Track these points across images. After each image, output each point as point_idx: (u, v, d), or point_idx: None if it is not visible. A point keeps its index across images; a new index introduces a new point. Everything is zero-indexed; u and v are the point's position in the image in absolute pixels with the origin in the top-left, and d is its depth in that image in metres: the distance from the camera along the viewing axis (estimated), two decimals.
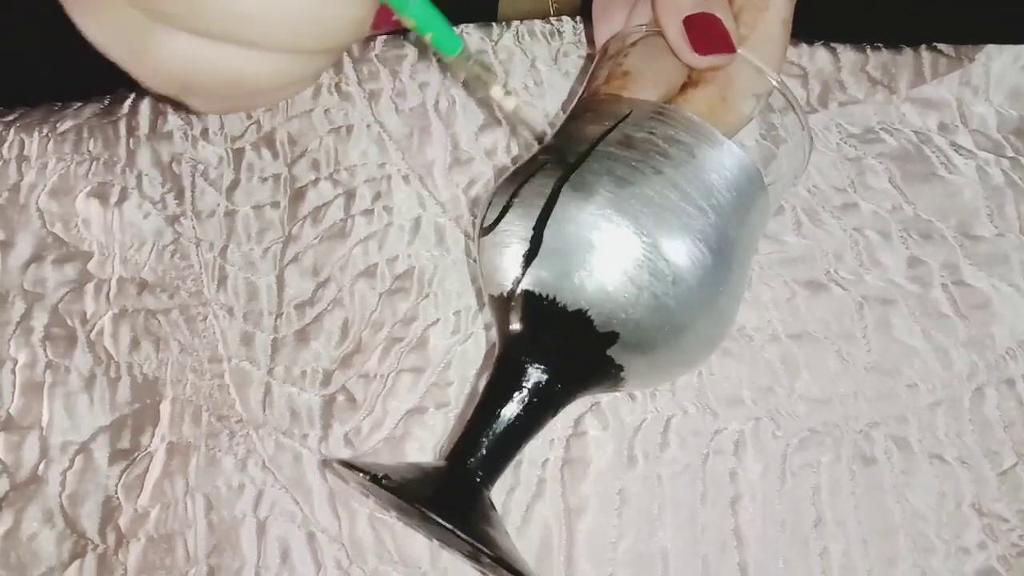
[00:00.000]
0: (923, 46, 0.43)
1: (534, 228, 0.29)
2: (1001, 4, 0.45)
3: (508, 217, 0.30)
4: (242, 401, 0.37)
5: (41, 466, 0.36)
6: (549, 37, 0.43)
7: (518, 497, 0.35)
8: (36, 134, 0.42)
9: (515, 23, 0.43)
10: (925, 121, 0.42)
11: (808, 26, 0.44)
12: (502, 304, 0.31)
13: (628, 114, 0.31)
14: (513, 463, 0.35)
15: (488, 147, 0.41)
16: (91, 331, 0.38)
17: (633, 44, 0.33)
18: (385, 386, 0.37)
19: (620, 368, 0.30)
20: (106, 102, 0.43)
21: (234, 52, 0.27)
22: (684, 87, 0.31)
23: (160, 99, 0.43)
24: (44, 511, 0.36)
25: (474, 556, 0.31)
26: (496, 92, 0.33)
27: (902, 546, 0.35)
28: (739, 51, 0.31)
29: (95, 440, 0.37)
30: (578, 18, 0.44)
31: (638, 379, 0.31)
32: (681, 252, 0.29)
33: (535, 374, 0.30)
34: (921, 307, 0.38)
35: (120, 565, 0.35)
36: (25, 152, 0.42)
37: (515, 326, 0.30)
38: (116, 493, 0.36)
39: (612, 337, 0.29)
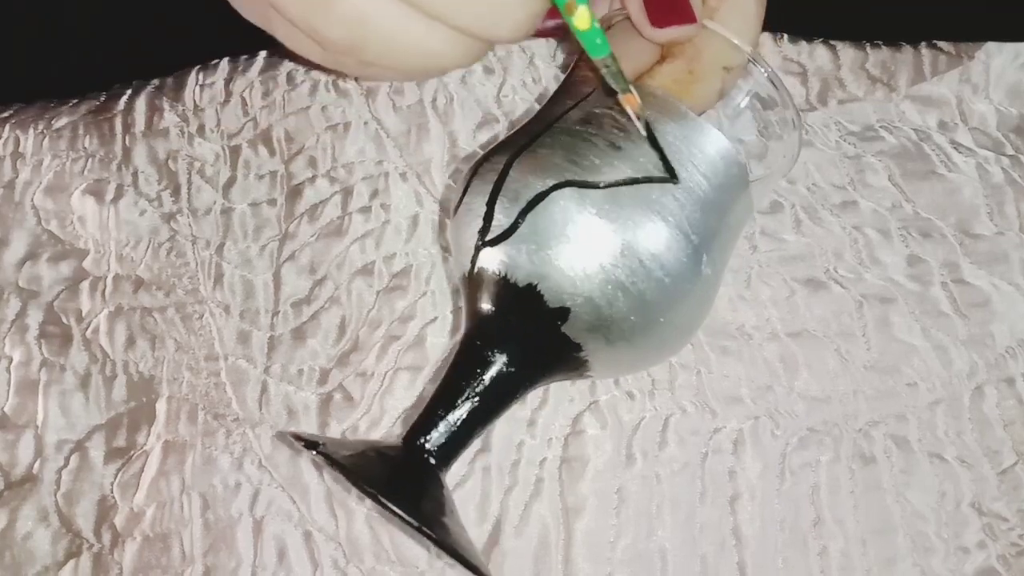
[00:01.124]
0: (923, 44, 0.43)
1: (487, 204, 0.29)
2: (1002, 1, 0.45)
3: (467, 196, 0.30)
4: (238, 399, 0.37)
5: (36, 465, 0.36)
6: None
7: (516, 496, 0.35)
8: (31, 131, 0.42)
9: None
10: (925, 119, 0.42)
11: (807, 24, 0.44)
12: (465, 285, 0.31)
13: (590, 92, 0.30)
14: (511, 463, 0.35)
15: (486, 144, 0.41)
16: (87, 329, 0.38)
17: (609, 27, 0.32)
18: (383, 385, 0.37)
19: (578, 348, 0.30)
20: (102, 99, 0.43)
21: (416, 21, 0.27)
22: (655, 65, 0.31)
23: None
24: (39, 510, 0.35)
25: (426, 542, 0.30)
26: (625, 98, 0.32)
27: (901, 545, 0.35)
28: (707, 23, 0.31)
29: (90, 439, 0.37)
30: None
31: (602, 362, 0.30)
32: (634, 223, 0.28)
33: (492, 355, 0.29)
34: (921, 305, 0.38)
35: (116, 564, 0.35)
36: (20, 149, 0.41)
37: (473, 305, 0.30)
38: (112, 492, 0.36)
39: (563, 312, 0.29)
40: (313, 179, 0.41)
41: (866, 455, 0.36)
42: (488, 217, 0.29)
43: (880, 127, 0.42)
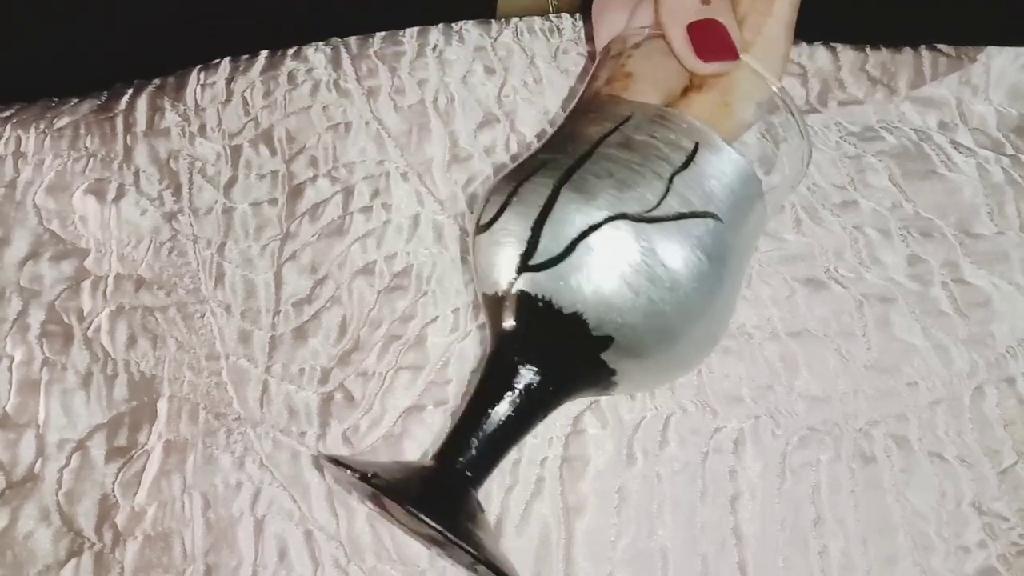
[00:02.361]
0: (923, 46, 0.43)
1: (532, 228, 0.29)
2: (1002, 4, 0.45)
3: (505, 216, 0.30)
4: (240, 399, 0.37)
5: (38, 464, 0.36)
6: (548, 34, 0.43)
7: (517, 495, 0.35)
8: (33, 130, 0.42)
9: (514, 20, 0.43)
10: (925, 120, 0.42)
11: (808, 25, 0.44)
12: (496, 303, 0.30)
13: (629, 116, 0.30)
14: (512, 461, 0.35)
15: (487, 144, 0.41)
16: (88, 328, 0.38)
17: (636, 46, 0.33)
18: (383, 384, 0.37)
19: (612, 372, 0.30)
20: (103, 98, 0.43)
21: None
22: (686, 91, 0.31)
23: None
24: (40, 509, 0.35)
25: (462, 558, 0.30)
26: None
27: (902, 545, 0.35)
28: (743, 57, 0.31)
29: (92, 438, 0.36)
30: (577, 15, 0.44)
31: (629, 382, 0.31)
32: (679, 257, 0.29)
33: (527, 375, 0.30)
34: (921, 305, 0.38)
35: (117, 563, 0.35)
36: (22, 148, 0.41)
37: (508, 326, 0.30)
38: (113, 491, 0.36)
39: (606, 341, 0.29)
40: (314, 179, 0.41)
41: (866, 454, 0.36)
42: (533, 242, 0.29)
43: (880, 127, 0.42)
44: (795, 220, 0.40)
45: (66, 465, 0.36)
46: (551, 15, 0.44)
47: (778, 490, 0.35)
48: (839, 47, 0.43)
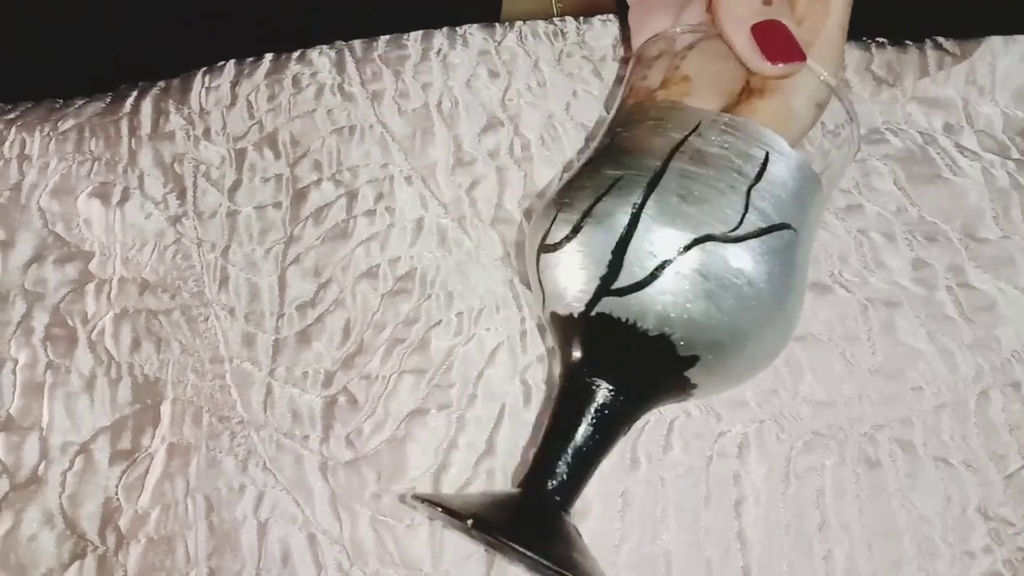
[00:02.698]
0: (928, 43, 0.43)
1: (613, 252, 0.29)
2: None
3: (581, 237, 0.29)
4: (243, 402, 0.37)
5: (41, 467, 0.36)
6: (552, 38, 0.43)
7: None
8: (38, 133, 0.42)
9: (518, 24, 0.43)
10: (931, 121, 0.42)
11: None
12: (570, 324, 0.30)
13: (697, 125, 0.30)
14: (516, 465, 0.35)
15: (491, 148, 0.41)
16: (92, 331, 0.38)
17: (689, 47, 0.32)
18: (387, 387, 0.37)
19: (694, 386, 0.30)
20: (107, 100, 0.43)
21: None
22: (746, 95, 0.31)
23: None
24: (44, 512, 0.35)
25: None
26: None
27: (907, 550, 0.34)
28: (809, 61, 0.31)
29: (95, 441, 0.37)
30: (581, 19, 0.44)
31: (708, 391, 0.31)
32: (763, 273, 0.29)
33: (607, 395, 0.29)
34: (926, 309, 0.38)
35: (120, 567, 0.35)
36: (26, 151, 0.41)
37: (587, 348, 0.30)
38: (116, 494, 0.36)
39: (692, 360, 0.29)
40: (318, 182, 0.41)
41: (871, 459, 0.36)
42: (615, 266, 0.29)
43: (886, 130, 0.42)
44: None
45: (69, 468, 0.36)
46: (555, 18, 0.44)
47: (782, 494, 0.35)
48: (844, 45, 0.43)
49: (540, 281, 0.31)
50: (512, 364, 0.37)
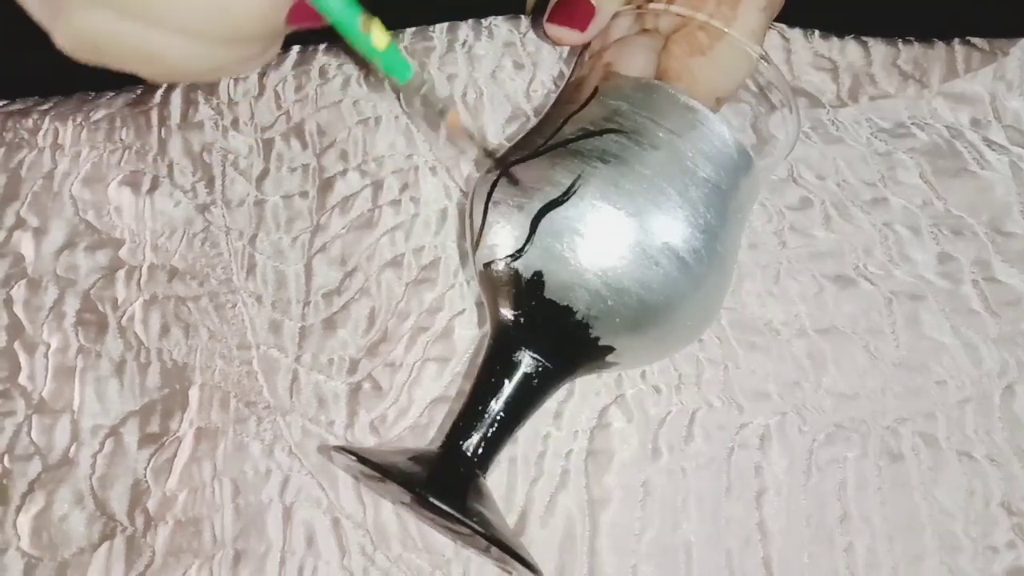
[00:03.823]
0: (956, 40, 0.43)
1: (533, 219, 0.30)
2: None
3: (500, 196, 0.31)
4: (270, 388, 0.38)
5: (72, 449, 0.37)
6: None
7: (542, 487, 0.35)
8: (70, 123, 0.42)
9: None
10: (957, 116, 0.42)
11: (839, 20, 0.43)
12: (494, 285, 0.31)
13: (613, 90, 0.32)
14: (538, 454, 0.36)
15: (512, 137, 0.41)
16: (122, 317, 0.39)
17: (617, 41, 0.34)
18: (411, 375, 0.37)
19: (610, 350, 0.31)
20: (138, 92, 0.44)
21: (144, 30, 0.28)
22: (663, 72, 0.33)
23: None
24: (75, 493, 0.36)
25: (477, 542, 0.31)
26: (452, 117, 0.34)
27: (929, 543, 0.34)
28: (728, 30, 0.32)
29: (125, 424, 0.37)
30: None
31: (628, 360, 0.32)
32: (673, 232, 0.29)
33: (526, 360, 0.30)
34: (951, 303, 0.38)
35: (148, 548, 0.35)
36: (59, 140, 0.42)
37: (506, 312, 0.31)
38: (145, 477, 0.36)
39: (600, 321, 0.29)
40: (344, 172, 0.41)
41: (894, 452, 0.36)
42: (533, 227, 0.30)
43: (912, 124, 0.42)
44: (824, 217, 0.39)
45: (100, 451, 0.37)
46: None
47: (804, 486, 0.35)
48: (870, 41, 0.43)
49: (480, 233, 0.32)
50: None
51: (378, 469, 0.28)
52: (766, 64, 0.33)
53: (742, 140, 0.31)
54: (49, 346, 0.38)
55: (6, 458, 0.37)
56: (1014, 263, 0.39)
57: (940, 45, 0.43)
